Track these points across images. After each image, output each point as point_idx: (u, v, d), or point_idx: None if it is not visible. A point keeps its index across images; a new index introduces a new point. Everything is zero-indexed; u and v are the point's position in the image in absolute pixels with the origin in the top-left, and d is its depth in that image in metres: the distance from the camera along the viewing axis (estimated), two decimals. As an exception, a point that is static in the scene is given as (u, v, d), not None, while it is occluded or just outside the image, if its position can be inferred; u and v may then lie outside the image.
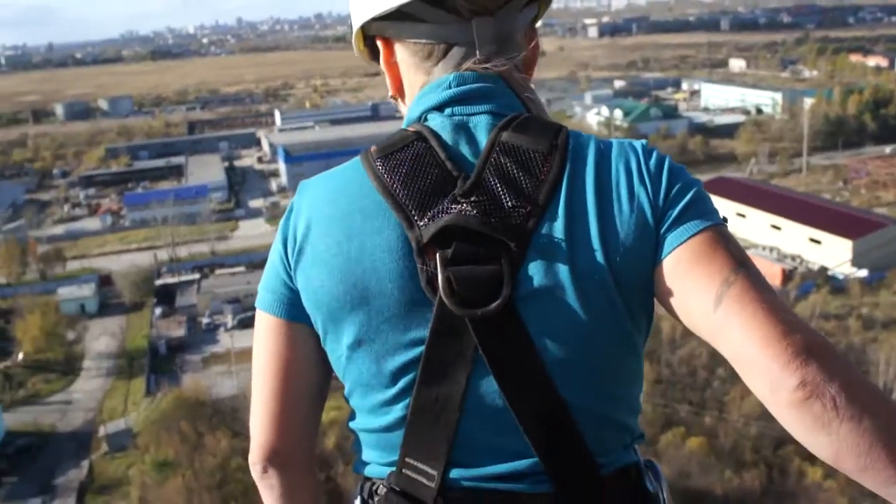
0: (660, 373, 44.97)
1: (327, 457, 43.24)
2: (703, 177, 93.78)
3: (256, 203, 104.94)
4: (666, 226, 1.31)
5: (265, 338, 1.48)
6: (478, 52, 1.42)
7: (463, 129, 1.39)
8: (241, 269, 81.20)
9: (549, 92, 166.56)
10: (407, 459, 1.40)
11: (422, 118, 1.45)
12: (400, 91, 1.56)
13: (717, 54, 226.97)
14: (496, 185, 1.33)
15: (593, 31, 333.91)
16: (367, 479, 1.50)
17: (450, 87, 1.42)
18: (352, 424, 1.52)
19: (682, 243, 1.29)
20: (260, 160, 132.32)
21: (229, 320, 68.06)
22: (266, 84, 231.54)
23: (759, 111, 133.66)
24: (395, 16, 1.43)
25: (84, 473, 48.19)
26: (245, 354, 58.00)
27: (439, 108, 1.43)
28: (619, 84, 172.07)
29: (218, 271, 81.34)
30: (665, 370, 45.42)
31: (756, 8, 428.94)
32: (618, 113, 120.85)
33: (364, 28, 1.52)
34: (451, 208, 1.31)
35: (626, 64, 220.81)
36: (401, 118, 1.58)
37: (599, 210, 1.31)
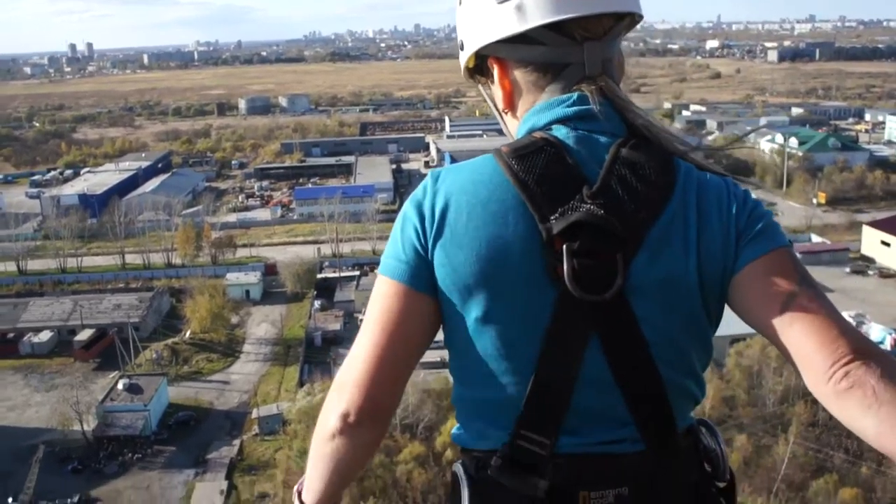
0: (816, 415, 43.06)
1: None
2: (881, 214, 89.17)
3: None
4: (744, 243, 1.57)
5: (387, 301, 1.64)
6: (587, 71, 1.65)
7: (586, 142, 1.61)
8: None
9: (722, 115, 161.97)
10: (522, 431, 1.59)
11: (545, 128, 1.65)
12: (511, 106, 1.76)
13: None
14: (618, 191, 1.56)
15: (773, 55, 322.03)
16: (470, 452, 1.68)
17: (573, 105, 1.64)
18: (464, 396, 1.70)
19: (756, 258, 1.55)
20: (427, 164, 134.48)
21: (384, 319, 69.50)
22: (438, 90, 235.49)
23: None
24: (516, 39, 1.65)
25: (235, 451, 50.40)
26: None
27: (563, 121, 1.64)
28: (796, 111, 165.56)
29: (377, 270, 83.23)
30: (822, 413, 43.44)
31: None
32: (793, 141, 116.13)
33: (479, 49, 1.73)
34: (580, 207, 1.53)
35: (805, 91, 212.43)
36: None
37: (699, 225, 1.57)
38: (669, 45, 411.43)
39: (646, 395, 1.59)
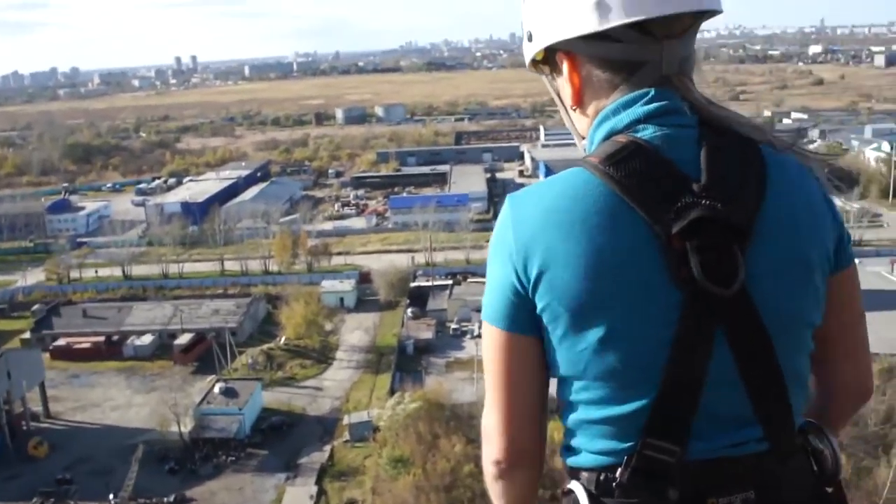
0: (922, 435, 41.32)
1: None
2: None
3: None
4: (840, 246, 1.66)
5: (499, 351, 1.65)
6: (664, 70, 1.59)
7: (674, 138, 1.56)
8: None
9: (826, 123, 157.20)
10: (649, 440, 1.54)
11: (626, 129, 1.59)
12: (579, 103, 1.70)
13: None
14: (724, 183, 1.52)
15: (880, 60, 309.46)
16: (587, 470, 1.63)
17: (652, 102, 1.58)
18: (583, 417, 1.64)
19: (846, 268, 1.69)
20: (521, 174, 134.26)
21: (476, 328, 69.40)
22: (533, 99, 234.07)
23: None
24: (592, 35, 1.58)
25: (326, 457, 51.04)
26: (486, 363, 59.06)
27: (645, 120, 1.58)
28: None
29: (470, 279, 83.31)
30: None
31: None
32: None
33: (554, 45, 1.66)
34: (696, 203, 1.49)
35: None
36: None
37: (804, 210, 1.59)
38: (770, 52, 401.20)
39: (769, 389, 1.56)
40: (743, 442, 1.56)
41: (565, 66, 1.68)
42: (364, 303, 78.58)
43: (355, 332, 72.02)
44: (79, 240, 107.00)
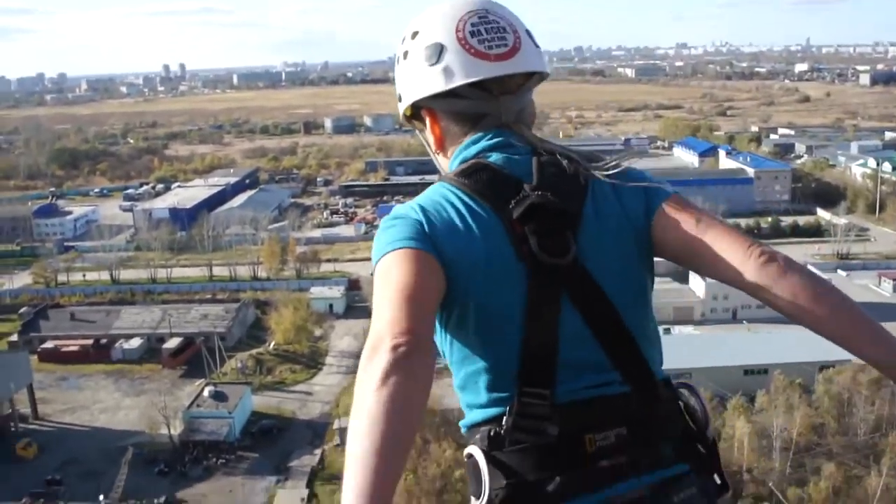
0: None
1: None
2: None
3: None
4: (652, 196, 1.96)
5: (405, 263, 1.78)
6: (503, 120, 2.03)
7: (511, 160, 1.98)
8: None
9: (811, 139, 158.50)
10: (525, 388, 1.82)
11: (474, 158, 2.00)
12: (441, 148, 2.13)
13: None
14: (551, 182, 1.92)
15: (865, 79, 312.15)
16: (479, 428, 1.87)
17: (493, 138, 2.02)
18: (469, 374, 1.91)
19: (664, 201, 1.95)
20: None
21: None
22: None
23: None
24: (444, 94, 2.01)
25: (316, 461, 51.01)
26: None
27: (488, 150, 2.00)
28: (890, 135, 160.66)
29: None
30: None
31: None
32: (886, 166, 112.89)
33: (414, 102, 2.09)
34: (529, 196, 1.87)
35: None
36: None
37: (616, 196, 1.95)
38: (757, 69, 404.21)
39: (617, 339, 1.87)
40: (605, 383, 1.85)
41: (428, 120, 2.11)
42: (353, 309, 78.60)
43: (345, 338, 72.02)
44: (66, 244, 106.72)
